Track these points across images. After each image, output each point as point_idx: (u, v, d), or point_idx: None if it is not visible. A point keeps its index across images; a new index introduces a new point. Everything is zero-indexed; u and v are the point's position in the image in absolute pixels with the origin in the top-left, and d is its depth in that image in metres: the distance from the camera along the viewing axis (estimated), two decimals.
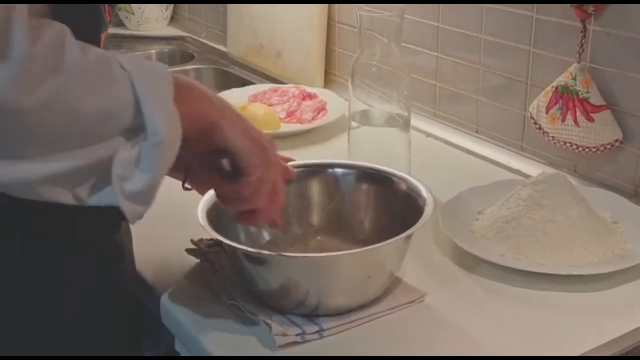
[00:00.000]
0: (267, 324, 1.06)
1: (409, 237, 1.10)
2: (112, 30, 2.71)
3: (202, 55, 2.51)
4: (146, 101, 0.83)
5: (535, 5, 1.52)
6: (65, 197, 0.83)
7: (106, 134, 0.82)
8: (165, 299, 1.15)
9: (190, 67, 2.43)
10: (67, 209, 1.01)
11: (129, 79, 0.83)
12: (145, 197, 0.87)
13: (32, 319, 1.02)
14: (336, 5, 2.05)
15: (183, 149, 0.90)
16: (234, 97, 1.86)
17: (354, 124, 1.48)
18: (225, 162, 1.00)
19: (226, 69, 2.36)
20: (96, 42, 0.99)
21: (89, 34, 0.97)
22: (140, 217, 0.89)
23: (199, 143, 0.94)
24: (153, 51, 2.59)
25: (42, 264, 1.01)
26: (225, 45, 2.48)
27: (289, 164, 1.22)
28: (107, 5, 1.06)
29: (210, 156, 1.00)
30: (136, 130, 0.84)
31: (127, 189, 0.85)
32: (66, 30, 0.80)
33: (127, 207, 0.86)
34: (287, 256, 1.10)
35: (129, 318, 1.15)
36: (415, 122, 1.75)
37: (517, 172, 1.58)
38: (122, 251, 1.13)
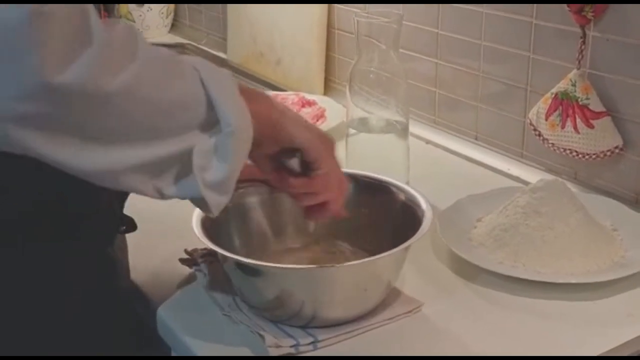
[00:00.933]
0: (260, 335, 1.05)
1: (406, 249, 1.09)
2: None
3: None
4: (216, 96, 0.86)
5: (535, 10, 1.51)
6: (146, 187, 0.85)
7: (183, 125, 0.85)
8: (161, 311, 1.14)
9: None
10: (59, 221, 1.01)
11: (199, 77, 0.86)
12: (225, 186, 0.90)
13: (21, 328, 1.01)
14: (335, 11, 2.04)
15: (254, 149, 0.93)
16: None
17: (352, 131, 1.47)
18: (293, 161, 1.02)
19: None
20: None
21: None
22: (221, 207, 0.91)
23: (267, 143, 0.97)
24: None
25: (31, 275, 1.00)
26: (225, 53, 2.47)
27: None
28: (102, 9, 1.05)
29: (277, 157, 1.02)
30: (210, 123, 0.87)
31: (207, 178, 0.87)
32: (134, 26, 0.84)
33: (210, 197, 0.89)
34: (281, 267, 1.09)
35: (124, 329, 1.14)
36: (414, 128, 1.74)
37: (517, 179, 1.56)
38: (114, 263, 1.12)
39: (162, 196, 0.87)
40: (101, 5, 1.06)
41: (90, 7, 0.77)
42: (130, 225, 1.14)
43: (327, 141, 1.04)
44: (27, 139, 0.76)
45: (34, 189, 0.98)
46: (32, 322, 1.01)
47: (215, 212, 0.91)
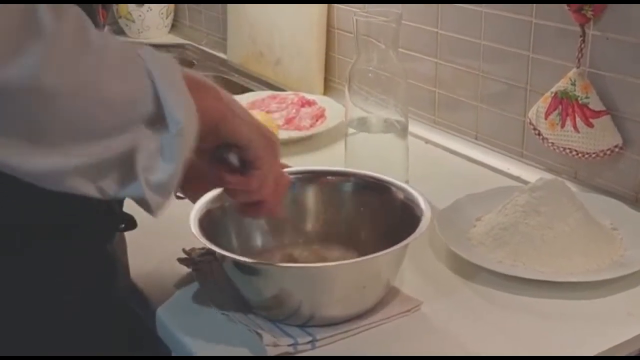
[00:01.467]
0: (258, 334, 1.04)
1: (404, 247, 1.08)
2: None
3: (202, 63, 2.50)
4: (164, 90, 0.82)
5: (534, 10, 1.50)
6: (90, 189, 0.82)
7: (130, 121, 0.81)
8: (160, 312, 1.13)
9: None
10: (57, 219, 1.00)
11: (144, 66, 0.82)
12: (168, 187, 0.86)
13: (21, 327, 1.01)
14: (335, 11, 2.04)
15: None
16: None
17: (351, 130, 1.47)
18: (232, 156, 0.98)
19: (226, 76, 2.35)
20: None
21: None
22: (162, 208, 0.88)
23: (208, 137, 0.93)
24: None
25: (32, 273, 1.00)
26: (225, 53, 2.47)
27: (285, 170, 1.21)
28: (100, 8, 1.04)
29: (216, 151, 0.99)
30: (156, 119, 0.83)
31: (151, 180, 0.84)
32: (82, 12, 0.78)
33: (152, 199, 0.85)
34: (280, 266, 1.09)
35: (123, 329, 1.13)
36: (414, 128, 1.74)
37: (517, 178, 1.56)
38: (114, 262, 1.12)
39: (104, 196, 0.83)
40: (99, 5, 1.05)
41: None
42: (130, 223, 1.14)
43: (270, 140, 1.00)
44: None
45: (33, 186, 0.98)
46: (30, 321, 1.01)
47: (156, 214, 0.88)
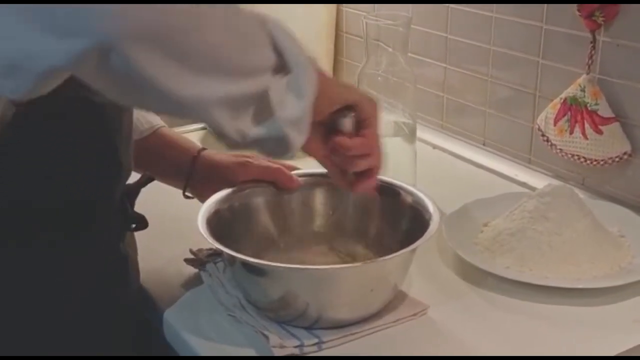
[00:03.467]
0: (265, 335, 1.04)
1: (412, 251, 1.08)
2: None
3: None
4: (281, 40, 0.89)
5: (545, 15, 1.50)
6: (229, 125, 0.86)
7: (259, 67, 0.86)
8: (167, 313, 1.14)
9: None
10: (71, 218, 1.01)
11: (265, 25, 0.89)
12: (303, 123, 0.91)
13: (31, 323, 1.01)
14: (344, 15, 2.04)
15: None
16: None
17: None
18: (347, 121, 1.01)
19: None
20: None
21: None
22: (300, 146, 0.93)
23: (321, 105, 0.95)
24: None
25: (44, 270, 1.00)
26: None
27: (294, 172, 1.21)
28: None
29: (329, 121, 1.02)
30: (280, 67, 0.88)
31: (286, 115, 0.89)
32: None
33: (291, 134, 0.90)
34: (287, 267, 1.08)
35: (130, 330, 1.14)
36: (422, 133, 1.74)
37: (524, 184, 1.56)
38: (125, 261, 1.12)
39: (243, 138, 0.88)
40: None
41: None
42: (142, 223, 1.14)
43: (373, 99, 1.03)
44: (139, 56, 0.75)
45: (46, 186, 0.98)
46: (38, 319, 1.01)
47: (294, 151, 0.93)
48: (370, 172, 1.07)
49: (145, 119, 1.25)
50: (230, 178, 1.21)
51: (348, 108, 1.00)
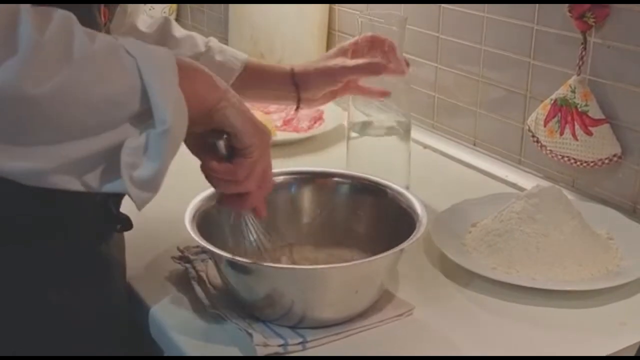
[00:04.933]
0: (249, 334, 1.04)
1: (399, 252, 1.08)
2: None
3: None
4: (153, 87, 0.83)
5: (536, 16, 1.50)
6: (73, 184, 0.84)
7: (114, 121, 0.83)
8: (153, 311, 1.13)
9: None
10: (53, 219, 1.00)
11: (135, 65, 0.84)
12: (153, 184, 0.87)
13: (16, 328, 1.00)
14: (337, 13, 2.03)
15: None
16: None
17: (353, 134, 1.45)
18: (220, 144, 0.98)
19: None
20: None
21: None
22: (147, 203, 0.89)
23: (199, 122, 0.94)
24: None
25: (21, 270, 0.99)
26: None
27: (282, 170, 1.21)
28: (102, 6, 1.04)
29: (205, 137, 0.99)
30: (143, 116, 0.84)
31: (135, 176, 0.85)
32: (72, 17, 0.81)
33: (135, 194, 0.86)
34: (273, 266, 1.08)
35: (117, 328, 1.13)
36: (413, 133, 1.72)
37: (514, 185, 1.55)
38: (108, 262, 1.11)
39: (88, 190, 0.85)
40: (102, 5, 1.04)
41: (22, 9, 0.76)
42: (127, 224, 1.13)
43: (262, 131, 1.00)
44: None
45: (26, 187, 0.97)
46: (20, 320, 1.00)
47: (140, 208, 0.89)
48: (239, 197, 1.04)
49: (233, 57, 1.39)
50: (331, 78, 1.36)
51: (227, 132, 0.97)
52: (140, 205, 0.88)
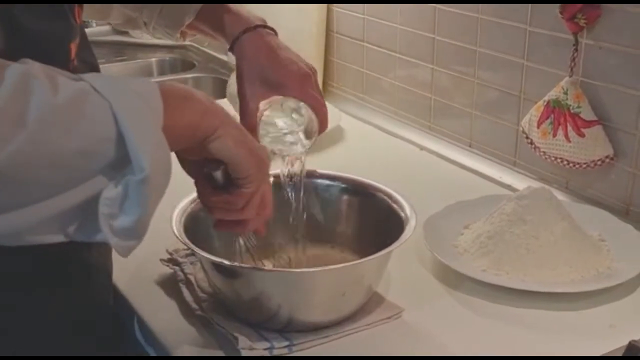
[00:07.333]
0: (234, 337, 1.04)
1: (388, 254, 1.08)
2: (114, 38, 2.71)
3: (203, 64, 2.51)
4: (130, 133, 0.77)
5: (529, 17, 1.49)
6: (57, 238, 0.79)
7: (86, 174, 0.77)
8: (141, 314, 1.14)
9: (189, 75, 2.44)
10: None
11: (109, 109, 0.77)
12: (136, 232, 0.81)
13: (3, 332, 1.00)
14: (335, 15, 2.03)
15: (179, 153, 0.90)
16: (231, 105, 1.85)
17: None
18: (217, 174, 0.94)
19: (225, 78, 2.34)
20: (65, 54, 0.97)
21: (56, 46, 0.95)
22: (132, 250, 0.83)
23: (194, 152, 0.90)
24: (153, 59, 2.59)
25: (8, 279, 0.99)
26: (226, 55, 2.46)
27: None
28: (76, 8, 1.02)
29: (201, 165, 0.95)
30: (121, 162, 0.78)
31: (116, 225, 0.80)
32: (31, 69, 0.75)
33: (116, 244, 0.81)
34: (258, 269, 1.08)
35: (101, 331, 1.13)
36: (409, 134, 1.74)
37: (508, 187, 1.55)
38: (88, 265, 1.10)
39: (73, 239, 0.81)
40: (76, 6, 1.03)
41: None
42: None
43: (260, 159, 0.94)
44: None
45: None
46: (10, 326, 1.00)
47: (125, 256, 0.84)
48: (236, 223, 1.00)
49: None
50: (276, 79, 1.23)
51: (224, 162, 0.93)
52: (124, 254, 0.83)
